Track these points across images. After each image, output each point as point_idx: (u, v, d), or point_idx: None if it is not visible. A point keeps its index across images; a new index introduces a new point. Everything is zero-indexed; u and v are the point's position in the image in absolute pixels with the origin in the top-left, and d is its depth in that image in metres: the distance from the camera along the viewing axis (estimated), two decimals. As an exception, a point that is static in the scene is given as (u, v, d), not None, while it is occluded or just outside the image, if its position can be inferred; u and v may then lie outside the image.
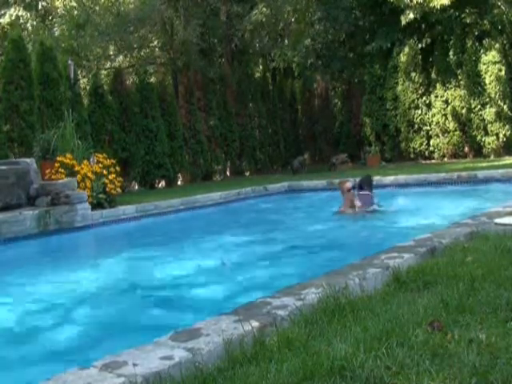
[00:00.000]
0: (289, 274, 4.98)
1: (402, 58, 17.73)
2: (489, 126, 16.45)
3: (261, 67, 23.81)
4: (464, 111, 16.75)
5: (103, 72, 20.01)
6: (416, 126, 17.80)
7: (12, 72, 12.16)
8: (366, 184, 8.44)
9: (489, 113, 16.37)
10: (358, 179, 8.78)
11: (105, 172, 9.89)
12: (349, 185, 8.41)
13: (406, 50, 17.62)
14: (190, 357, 2.24)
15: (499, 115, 16.29)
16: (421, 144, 17.79)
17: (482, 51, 16.53)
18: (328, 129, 22.12)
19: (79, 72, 16.29)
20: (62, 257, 7.26)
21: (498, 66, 16.23)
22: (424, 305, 2.74)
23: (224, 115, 18.71)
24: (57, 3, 20.02)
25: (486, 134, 16.59)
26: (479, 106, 16.60)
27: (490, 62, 16.31)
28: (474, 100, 16.62)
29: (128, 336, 3.55)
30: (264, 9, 18.71)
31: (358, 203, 8.19)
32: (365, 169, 16.34)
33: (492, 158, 16.30)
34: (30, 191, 8.69)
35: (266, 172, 19.55)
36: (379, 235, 6.81)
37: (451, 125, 17.10)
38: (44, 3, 20.99)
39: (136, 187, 16.24)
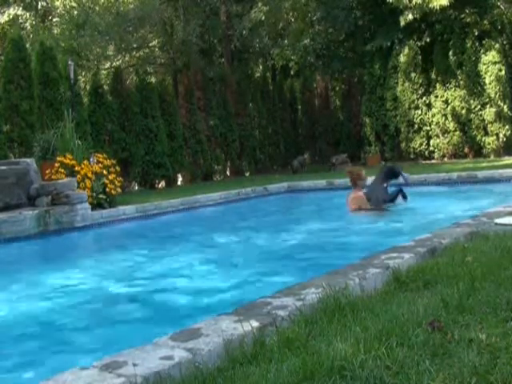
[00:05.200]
0: (291, 274, 4.97)
1: (402, 58, 17.74)
2: (489, 126, 16.47)
3: (261, 67, 23.83)
4: (464, 111, 16.76)
5: (103, 72, 20.02)
6: (416, 126, 17.81)
7: (12, 72, 12.18)
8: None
9: (489, 113, 16.37)
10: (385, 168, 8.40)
11: (105, 172, 9.88)
12: (364, 174, 8.14)
13: (406, 50, 17.63)
14: (189, 357, 2.24)
15: (499, 115, 16.30)
16: (421, 144, 17.80)
17: (481, 51, 16.54)
18: (328, 129, 22.12)
19: (79, 72, 16.29)
20: (62, 257, 7.26)
21: (497, 66, 16.23)
22: (424, 305, 2.74)
23: (224, 115, 18.71)
24: (57, 3, 20.02)
25: (486, 134, 16.60)
26: (479, 106, 16.61)
27: (489, 62, 16.32)
28: (473, 100, 16.63)
29: (128, 336, 3.55)
30: (263, 7, 18.74)
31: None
32: (365, 169, 16.33)
33: (492, 158, 16.30)
34: (30, 191, 8.68)
35: (265, 172, 19.55)
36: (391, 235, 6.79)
37: (451, 125, 17.11)
38: (44, 3, 21.00)
39: (136, 187, 16.24)
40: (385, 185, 8.21)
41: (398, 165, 8.52)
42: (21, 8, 19.99)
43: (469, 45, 16.73)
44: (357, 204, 8.00)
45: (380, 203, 8.05)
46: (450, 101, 17.10)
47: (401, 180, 8.36)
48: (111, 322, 4.05)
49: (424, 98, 17.68)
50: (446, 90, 17.24)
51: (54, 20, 20.71)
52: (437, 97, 17.43)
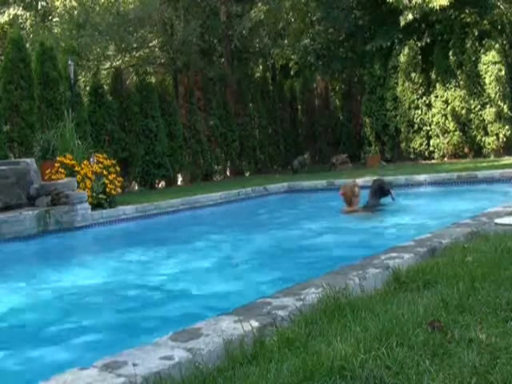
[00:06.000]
0: (291, 274, 4.97)
1: (402, 58, 17.74)
2: (489, 126, 16.47)
3: (261, 67, 23.83)
4: (464, 111, 16.76)
5: (103, 72, 20.01)
6: (416, 126, 17.81)
7: (12, 72, 12.18)
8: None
9: (489, 113, 16.37)
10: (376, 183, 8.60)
11: (105, 172, 9.88)
12: (357, 190, 8.32)
13: (406, 50, 17.63)
14: (189, 357, 2.23)
15: (499, 115, 16.30)
16: (421, 144, 17.80)
17: (481, 51, 16.54)
18: (328, 129, 22.13)
19: (79, 72, 16.30)
20: (62, 257, 7.26)
21: (497, 66, 16.23)
22: (424, 305, 2.73)
23: (224, 115, 18.72)
24: (57, 3, 20.01)
25: (486, 134, 16.61)
26: (479, 107, 16.61)
27: (489, 62, 16.32)
28: (473, 100, 16.63)
29: (127, 337, 3.55)
30: (263, 7, 18.75)
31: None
32: (365, 169, 16.34)
33: (492, 158, 16.31)
34: (30, 191, 8.69)
35: (266, 172, 19.55)
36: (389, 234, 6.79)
37: (451, 125, 17.11)
38: (44, 3, 20.98)
39: (136, 187, 16.25)
40: (378, 202, 8.44)
41: (388, 182, 8.68)
42: (21, 8, 19.96)
43: (469, 45, 16.73)
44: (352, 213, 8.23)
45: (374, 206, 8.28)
46: (450, 101, 17.10)
47: (389, 198, 8.51)
48: (111, 322, 4.05)
49: (424, 98, 17.68)
50: (445, 90, 17.23)
51: (54, 20, 20.69)
52: (437, 97, 17.43)
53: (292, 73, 23.22)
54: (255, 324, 2.55)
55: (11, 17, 19.35)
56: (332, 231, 7.47)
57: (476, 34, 16.91)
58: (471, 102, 16.66)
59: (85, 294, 4.97)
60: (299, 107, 22.66)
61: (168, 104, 16.69)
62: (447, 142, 17.28)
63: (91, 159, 10.06)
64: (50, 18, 21.23)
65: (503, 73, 16.28)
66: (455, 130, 17.09)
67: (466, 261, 3.52)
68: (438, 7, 15.23)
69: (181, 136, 16.83)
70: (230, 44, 19.99)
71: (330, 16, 18.87)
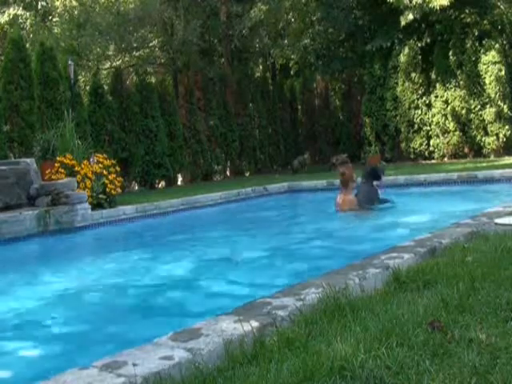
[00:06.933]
0: (290, 275, 4.98)
1: (402, 58, 17.74)
2: (489, 126, 16.47)
3: (261, 67, 23.84)
4: (464, 111, 16.76)
5: (103, 72, 20.02)
6: (416, 126, 17.81)
7: (12, 72, 12.18)
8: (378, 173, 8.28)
9: (489, 113, 16.37)
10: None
11: (105, 172, 9.88)
12: (356, 178, 8.19)
13: (406, 50, 17.63)
14: (189, 357, 2.23)
15: (499, 115, 16.30)
16: (421, 144, 17.80)
17: (481, 51, 16.54)
18: (328, 129, 22.12)
19: (79, 72, 16.31)
20: (62, 257, 7.26)
21: (497, 66, 16.24)
22: (424, 305, 2.73)
23: (224, 115, 18.71)
24: (57, 3, 20.01)
25: (486, 134, 16.61)
26: (479, 107, 16.61)
27: (489, 63, 16.32)
28: (473, 100, 16.63)
29: (125, 339, 3.55)
30: (263, 7, 18.77)
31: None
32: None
33: (492, 158, 16.31)
34: (30, 191, 8.69)
35: (266, 172, 19.55)
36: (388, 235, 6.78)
37: (451, 125, 17.11)
38: (44, 3, 20.98)
39: (136, 187, 16.24)
40: (375, 186, 8.30)
41: (382, 166, 8.58)
42: (21, 8, 19.96)
43: (469, 45, 16.73)
44: (348, 206, 8.12)
45: (372, 203, 8.17)
46: (450, 101, 17.10)
47: (379, 183, 8.41)
48: (111, 322, 4.05)
49: (424, 98, 17.67)
50: (445, 90, 17.23)
51: (54, 20, 20.70)
52: (437, 97, 17.43)
53: (292, 73, 23.23)
54: (255, 324, 2.55)
55: (11, 17, 19.34)
56: (331, 231, 7.47)
57: (476, 34, 16.91)
58: (471, 101, 16.66)
59: (85, 294, 4.96)
60: (299, 107, 22.65)
61: (168, 104, 16.69)
62: (447, 142, 17.28)
63: (91, 159, 10.05)
64: (50, 18, 21.22)
65: (503, 73, 16.28)
66: (455, 130, 17.09)
67: (466, 261, 3.52)
68: (438, 7, 15.24)
69: (181, 136, 16.83)
70: (230, 44, 20.00)
71: (330, 16, 18.87)
